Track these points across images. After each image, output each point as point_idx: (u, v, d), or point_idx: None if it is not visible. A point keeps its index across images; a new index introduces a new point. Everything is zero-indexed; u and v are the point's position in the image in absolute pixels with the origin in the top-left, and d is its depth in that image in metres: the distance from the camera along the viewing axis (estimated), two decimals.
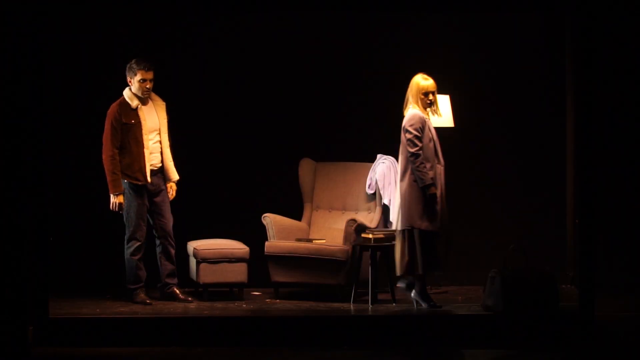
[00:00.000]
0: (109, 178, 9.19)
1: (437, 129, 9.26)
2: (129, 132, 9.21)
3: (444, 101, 9.78)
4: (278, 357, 8.19)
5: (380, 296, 9.47)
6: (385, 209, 9.84)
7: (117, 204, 9.21)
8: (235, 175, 10.36)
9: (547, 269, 8.95)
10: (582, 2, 8.67)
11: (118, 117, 9.18)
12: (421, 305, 9.15)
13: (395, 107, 10.28)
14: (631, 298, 9.43)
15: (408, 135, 9.07)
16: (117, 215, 9.36)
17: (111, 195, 9.21)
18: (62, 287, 9.59)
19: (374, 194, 9.93)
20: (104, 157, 9.20)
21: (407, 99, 9.21)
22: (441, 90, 9.39)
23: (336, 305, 9.34)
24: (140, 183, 9.26)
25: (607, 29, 9.32)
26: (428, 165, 9.08)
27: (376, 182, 9.85)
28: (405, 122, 9.13)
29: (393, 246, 9.52)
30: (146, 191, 9.29)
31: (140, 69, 9.19)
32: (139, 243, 9.27)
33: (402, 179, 9.09)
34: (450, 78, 9.85)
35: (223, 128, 10.35)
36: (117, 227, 9.68)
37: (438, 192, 9.07)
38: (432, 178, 9.05)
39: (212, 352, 8.31)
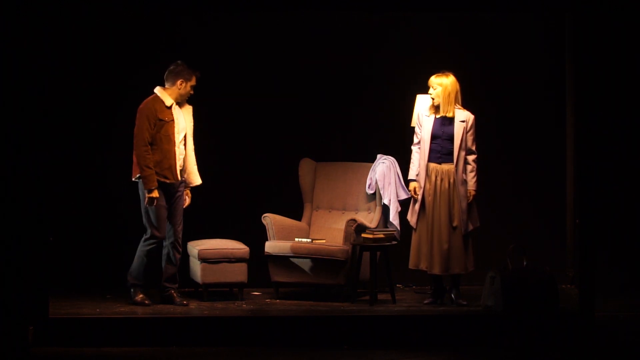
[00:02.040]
0: (144, 173, 9.01)
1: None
2: (162, 129, 9.12)
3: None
4: (278, 357, 8.19)
5: (380, 296, 9.47)
6: (385, 209, 9.83)
7: (152, 199, 9.06)
8: (235, 175, 10.35)
9: (547, 269, 8.95)
10: (582, 2, 8.67)
11: (154, 113, 9.08)
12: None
13: (395, 107, 10.30)
14: (631, 298, 9.43)
15: None
16: (117, 215, 9.36)
17: (146, 191, 9.04)
18: (62, 287, 9.60)
19: (374, 194, 9.93)
20: (137, 152, 9.05)
21: None
22: None
23: (336, 305, 9.34)
24: (168, 181, 9.17)
25: (607, 29, 9.32)
26: (416, 162, 9.33)
27: (376, 182, 9.85)
28: None
29: (393, 246, 9.55)
30: (167, 192, 9.21)
31: (195, 75, 9.20)
32: (155, 242, 9.17)
33: None
34: None
35: (223, 128, 10.34)
36: (117, 227, 9.70)
37: (420, 192, 9.30)
38: (417, 175, 9.33)
39: (212, 352, 8.31)
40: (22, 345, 8.15)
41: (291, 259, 9.61)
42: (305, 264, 9.57)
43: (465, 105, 9.36)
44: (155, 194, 9.06)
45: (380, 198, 9.86)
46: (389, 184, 9.79)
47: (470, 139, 9.26)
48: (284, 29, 10.30)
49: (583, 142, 8.72)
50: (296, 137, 10.40)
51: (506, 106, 10.42)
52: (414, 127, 9.83)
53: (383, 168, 9.84)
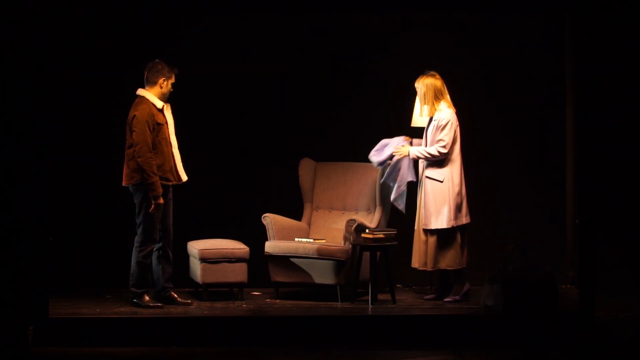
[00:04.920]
0: (152, 179, 8.96)
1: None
2: (160, 132, 9.08)
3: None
4: (278, 357, 8.19)
5: (380, 296, 9.47)
6: (386, 209, 9.82)
7: (159, 205, 9.03)
8: (235, 175, 10.35)
9: (547, 269, 8.95)
10: (582, 2, 8.68)
11: (153, 117, 9.03)
12: None
13: (395, 107, 10.30)
14: (631, 298, 9.43)
15: None
16: (116, 215, 9.35)
17: (152, 198, 8.98)
18: (62, 287, 9.60)
19: (374, 194, 9.91)
20: (143, 159, 8.95)
21: None
22: None
23: (336, 305, 9.34)
24: (170, 183, 9.16)
25: (607, 29, 9.32)
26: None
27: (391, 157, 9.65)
28: None
29: (393, 246, 9.55)
30: (164, 194, 9.15)
31: (174, 72, 9.16)
32: (153, 246, 9.16)
33: None
34: (449, 78, 9.84)
35: (223, 128, 10.35)
36: (117, 227, 9.68)
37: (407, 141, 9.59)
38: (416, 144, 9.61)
39: (212, 352, 8.31)
40: (22, 345, 8.15)
41: (291, 259, 9.61)
42: (305, 264, 9.57)
43: (465, 105, 9.36)
44: (161, 200, 9.05)
45: (381, 198, 9.84)
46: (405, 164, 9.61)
47: (439, 136, 9.25)
48: (286, 29, 10.30)
49: (583, 142, 8.72)
50: (296, 137, 10.40)
51: (506, 106, 10.41)
52: (413, 127, 9.86)
53: (400, 141, 9.66)
